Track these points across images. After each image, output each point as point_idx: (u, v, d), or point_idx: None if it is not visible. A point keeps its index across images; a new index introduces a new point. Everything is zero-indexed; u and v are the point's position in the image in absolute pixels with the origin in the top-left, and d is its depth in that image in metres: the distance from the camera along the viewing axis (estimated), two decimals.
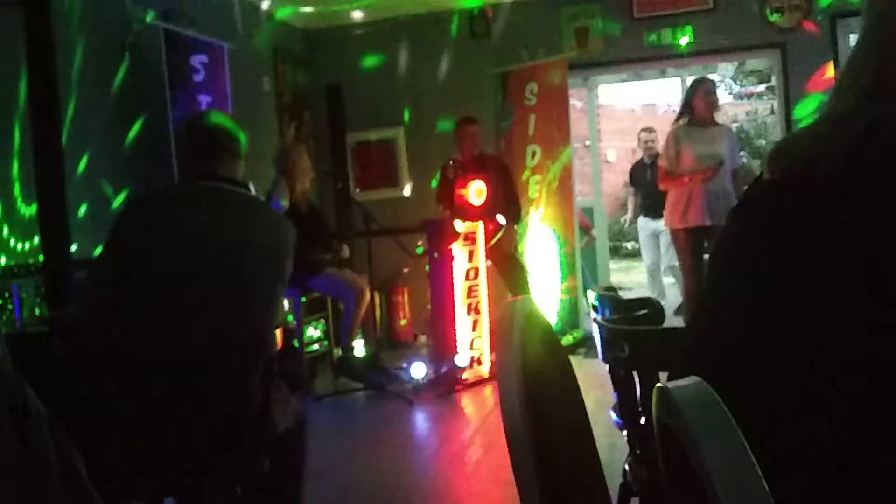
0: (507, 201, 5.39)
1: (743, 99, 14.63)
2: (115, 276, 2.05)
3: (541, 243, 6.07)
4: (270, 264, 2.14)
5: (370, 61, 6.58)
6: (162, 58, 4.47)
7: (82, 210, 3.98)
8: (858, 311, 0.84)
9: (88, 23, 4.13)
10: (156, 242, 2.06)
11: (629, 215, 7.68)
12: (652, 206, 6.82)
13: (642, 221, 7.20)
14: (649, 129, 7.42)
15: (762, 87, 13.85)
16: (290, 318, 4.82)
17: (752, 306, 0.93)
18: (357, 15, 6.40)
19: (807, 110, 5.94)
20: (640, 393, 2.06)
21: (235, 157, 2.23)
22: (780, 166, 0.94)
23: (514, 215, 5.47)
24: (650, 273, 7.23)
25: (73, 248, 3.50)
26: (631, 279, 10.36)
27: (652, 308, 2.50)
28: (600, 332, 2.06)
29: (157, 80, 4.45)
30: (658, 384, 0.86)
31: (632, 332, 1.97)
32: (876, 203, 0.85)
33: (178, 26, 4.69)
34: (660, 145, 6.80)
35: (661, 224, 6.57)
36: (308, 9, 6.15)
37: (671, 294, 7.10)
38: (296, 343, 4.84)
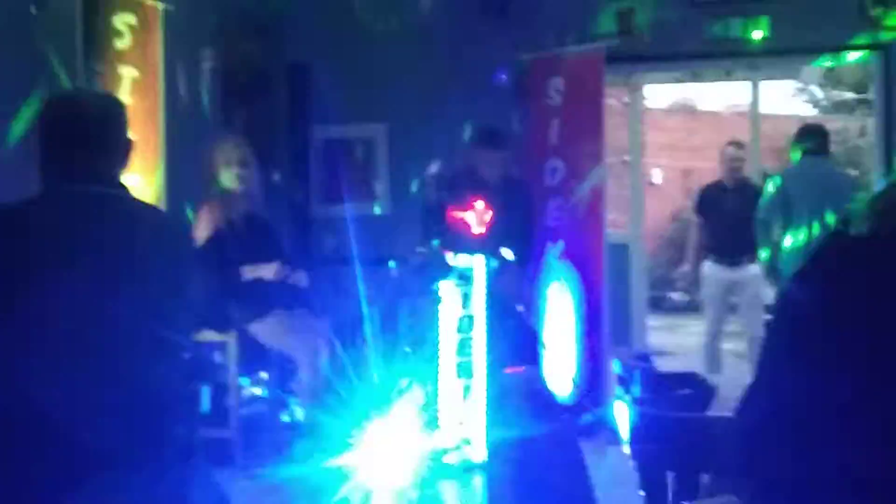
0: (520, 236, 5.43)
1: (830, 113, 14.79)
2: None
3: (557, 288, 6.09)
4: (172, 300, 2.14)
5: (350, 37, 6.64)
6: (75, 16, 4.51)
7: None
8: None
9: None
10: (7, 276, 2.02)
11: (690, 258, 7.42)
12: (727, 246, 6.81)
13: (710, 268, 7.03)
14: (739, 144, 7.16)
15: (853, 100, 13.99)
16: (223, 368, 4.82)
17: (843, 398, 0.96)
18: None
19: None
20: (674, 498, 2.07)
21: (109, 148, 2.22)
22: (888, 223, 0.98)
23: (524, 255, 5.50)
24: (709, 336, 7.22)
25: None
26: (676, 342, 10.40)
27: (698, 387, 2.51)
28: (627, 417, 2.08)
29: (67, 43, 4.48)
30: None
31: (668, 419, 1.98)
32: None
33: None
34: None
35: (737, 273, 6.63)
36: None
37: (730, 368, 7.09)
38: (228, 403, 4.83)
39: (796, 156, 6.14)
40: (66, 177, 2.15)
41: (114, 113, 2.28)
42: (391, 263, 5.29)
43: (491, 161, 5.45)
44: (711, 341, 7.13)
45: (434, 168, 5.84)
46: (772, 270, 6.14)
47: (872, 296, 0.94)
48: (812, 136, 6.09)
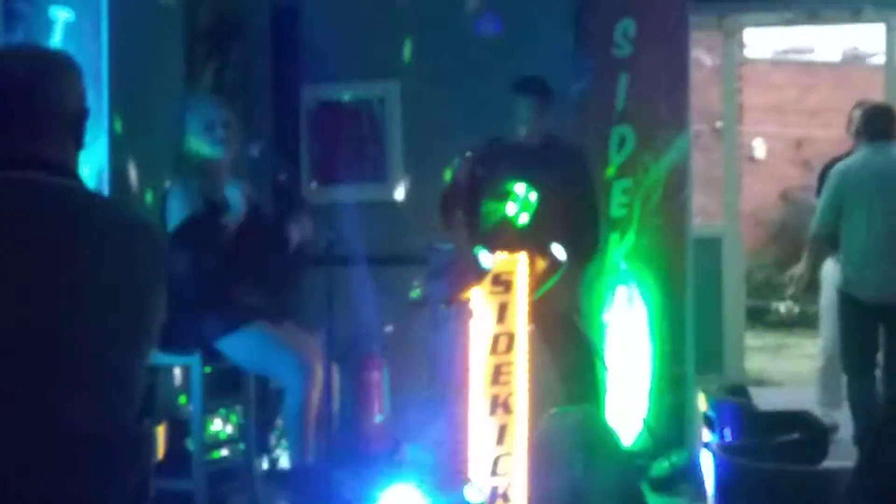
0: (578, 224, 5.43)
1: None
2: None
3: (626, 299, 6.08)
4: (126, 318, 2.13)
5: None
6: None
7: None
8: None
9: None
10: None
11: (806, 255, 7.34)
12: None
13: (833, 269, 6.94)
14: (863, 103, 7.17)
15: None
16: (183, 401, 4.84)
17: None
18: None
19: None
20: None
21: (51, 123, 2.21)
22: None
23: (585, 249, 5.49)
24: (827, 360, 7.15)
25: None
26: (783, 368, 10.28)
27: (809, 430, 2.47)
28: (714, 467, 2.07)
29: None
30: None
31: (769, 472, 1.96)
32: None
33: None
34: None
35: None
36: None
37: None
38: (190, 446, 4.85)
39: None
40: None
41: (52, 75, 2.25)
42: (414, 285, 5.28)
43: (530, 116, 5.48)
44: (830, 366, 7.07)
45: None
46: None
47: None
48: (872, 117, 6.27)
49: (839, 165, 6.37)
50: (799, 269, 6.74)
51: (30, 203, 2.13)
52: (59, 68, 2.29)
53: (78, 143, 2.27)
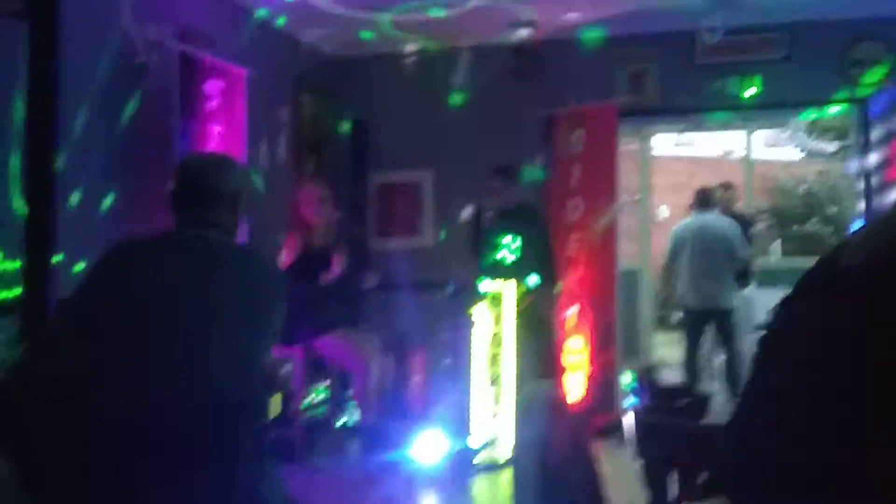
0: (543, 259, 5.39)
1: (814, 158, 14.58)
2: (75, 322, 2.08)
3: (576, 310, 6.01)
4: (251, 319, 2.11)
5: (401, 96, 6.65)
6: (175, 82, 4.56)
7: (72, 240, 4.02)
8: None
9: (97, 39, 4.20)
10: (124, 293, 2.08)
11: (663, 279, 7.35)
12: None
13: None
14: (727, 185, 7.14)
15: (835, 146, 13.79)
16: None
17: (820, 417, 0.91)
18: (399, 46, 6.48)
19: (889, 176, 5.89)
20: (679, 495, 2.01)
21: (215, 199, 2.23)
22: (855, 256, 0.94)
23: (552, 275, 5.46)
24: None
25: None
26: (677, 355, 10.14)
27: (695, 397, 2.46)
28: (634, 422, 2.02)
29: (167, 106, 4.54)
30: None
31: (669, 425, 1.92)
32: None
33: (195, 47, 4.79)
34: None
35: None
36: (336, 35, 6.25)
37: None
38: (293, 407, 4.82)
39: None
40: (179, 223, 2.24)
41: (217, 170, 2.30)
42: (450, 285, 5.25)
43: (502, 189, 5.37)
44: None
45: (468, 211, 5.79)
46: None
47: (847, 322, 0.89)
48: (698, 196, 6.68)
49: (676, 226, 6.80)
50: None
51: (199, 248, 2.18)
52: (222, 164, 2.35)
53: (233, 213, 2.28)
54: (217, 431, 1.98)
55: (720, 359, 6.57)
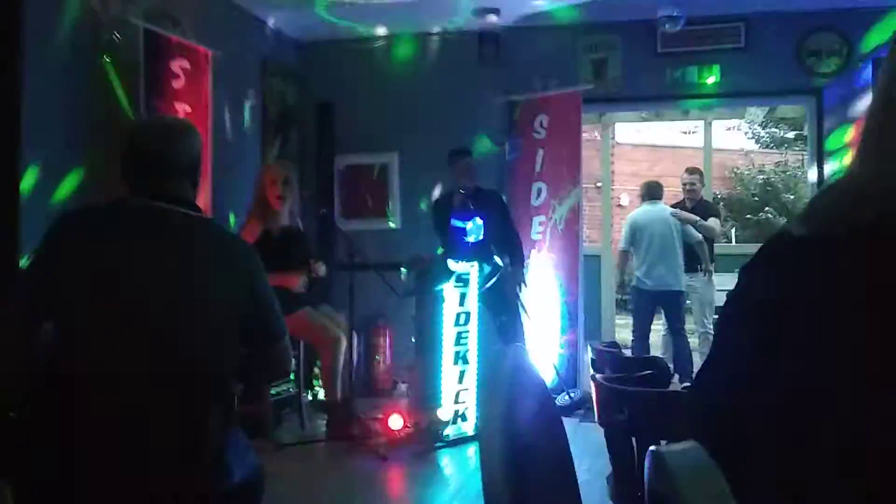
0: (508, 241, 5.43)
1: (771, 148, 14.80)
2: (36, 298, 2.00)
3: (541, 291, 6.07)
4: (224, 292, 2.07)
5: (367, 80, 6.63)
6: (139, 60, 4.52)
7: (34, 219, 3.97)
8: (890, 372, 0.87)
9: (61, 16, 4.16)
10: (89, 267, 2.00)
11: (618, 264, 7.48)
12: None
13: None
14: (692, 170, 7.13)
15: (792, 136, 14.02)
16: None
17: (774, 369, 0.96)
18: (357, 29, 6.47)
19: (842, 164, 6.00)
20: (638, 459, 2.05)
21: (178, 171, 2.12)
22: (808, 225, 0.99)
23: (518, 257, 5.52)
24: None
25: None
26: None
27: (658, 368, 2.51)
28: (598, 392, 2.06)
29: (132, 84, 4.49)
30: (651, 447, 0.87)
31: (630, 393, 1.96)
32: None
33: (161, 27, 4.74)
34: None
35: (692, 280, 6.66)
36: (304, 19, 6.22)
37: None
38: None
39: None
40: (139, 194, 2.09)
41: (175, 135, 2.16)
42: (402, 270, 5.26)
43: (462, 168, 5.43)
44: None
45: (436, 192, 5.82)
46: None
47: (805, 288, 0.95)
48: (647, 188, 6.99)
49: (633, 213, 7.09)
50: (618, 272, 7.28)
51: (161, 222, 2.07)
52: (182, 131, 2.20)
53: (194, 184, 2.18)
54: (187, 398, 1.99)
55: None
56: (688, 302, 6.84)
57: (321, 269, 5.12)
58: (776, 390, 0.96)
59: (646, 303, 6.62)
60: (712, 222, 6.67)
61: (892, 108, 0.99)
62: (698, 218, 6.61)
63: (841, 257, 0.93)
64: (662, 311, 6.71)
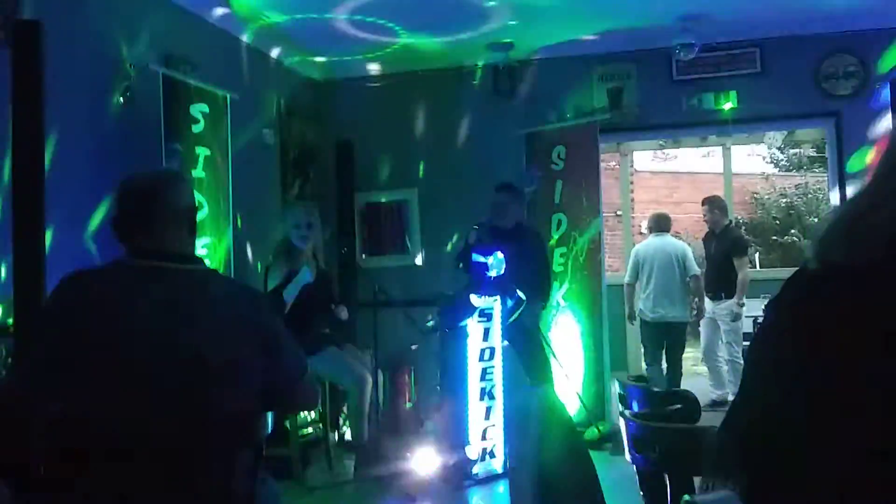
0: (538, 276, 5.41)
1: (792, 171, 14.71)
2: (44, 366, 1.95)
3: (565, 323, 6.02)
4: (243, 341, 2.02)
5: (385, 117, 6.67)
6: (159, 106, 4.56)
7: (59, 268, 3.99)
8: None
9: (81, 64, 4.20)
10: (92, 333, 1.94)
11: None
12: (709, 283, 6.87)
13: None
14: (704, 201, 7.21)
15: (813, 155, 13.93)
16: None
17: (807, 409, 0.94)
18: (373, 67, 6.54)
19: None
20: (672, 498, 2.01)
21: (171, 223, 2.05)
22: (816, 257, 0.99)
23: (543, 293, 5.48)
24: (705, 358, 7.20)
25: None
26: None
27: (687, 402, 2.46)
28: (627, 429, 2.02)
29: (152, 129, 4.54)
30: (686, 498, 0.84)
31: (662, 430, 1.92)
32: None
33: (179, 72, 4.80)
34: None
35: (717, 306, 6.65)
36: (320, 58, 6.29)
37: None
38: (287, 426, 4.78)
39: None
40: (140, 253, 2.03)
41: (167, 186, 2.10)
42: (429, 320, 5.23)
43: (506, 205, 5.39)
44: (707, 361, 7.10)
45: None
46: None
47: (818, 324, 0.96)
48: (655, 220, 7.09)
49: (637, 246, 7.15)
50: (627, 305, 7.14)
51: (162, 281, 2.01)
52: (168, 181, 2.15)
53: (191, 232, 2.12)
54: (214, 446, 1.97)
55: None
56: (723, 328, 6.78)
57: (343, 314, 5.11)
58: (805, 426, 0.96)
59: (651, 332, 6.70)
60: (741, 275, 6.70)
61: None
62: (740, 304, 6.67)
63: (859, 290, 0.93)
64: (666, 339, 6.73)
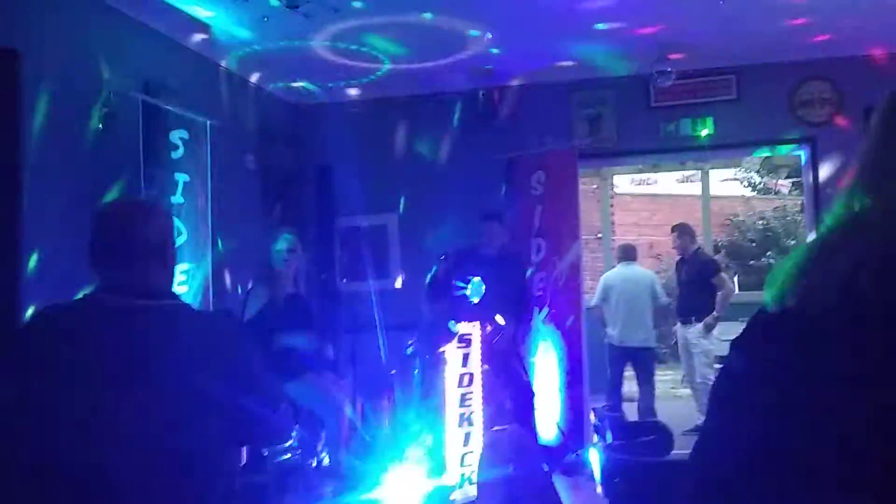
0: (515, 302, 5.43)
1: (769, 194, 14.85)
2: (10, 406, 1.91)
3: (544, 348, 6.03)
4: (214, 376, 1.98)
5: (365, 142, 6.68)
6: (138, 132, 4.56)
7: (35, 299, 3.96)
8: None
9: (60, 90, 4.18)
10: (67, 373, 1.90)
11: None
12: (681, 308, 7.06)
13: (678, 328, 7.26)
14: (672, 228, 7.36)
15: (788, 183, 14.09)
16: None
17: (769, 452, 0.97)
18: (353, 92, 6.57)
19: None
20: None
21: (143, 256, 2.01)
22: (773, 298, 1.02)
23: (518, 318, 5.51)
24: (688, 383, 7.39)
25: None
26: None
27: (659, 433, 2.48)
28: (600, 461, 2.03)
29: (131, 155, 4.53)
30: None
31: (631, 463, 1.93)
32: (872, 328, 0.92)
33: (158, 99, 4.80)
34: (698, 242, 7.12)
35: (688, 330, 6.73)
36: (300, 84, 6.32)
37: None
38: (264, 453, 4.75)
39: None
40: (111, 288, 1.99)
41: (140, 220, 2.05)
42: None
43: (493, 233, 5.45)
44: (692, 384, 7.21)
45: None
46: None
47: (779, 365, 0.99)
48: (622, 250, 7.45)
49: (606, 274, 7.51)
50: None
51: (131, 320, 1.96)
52: (144, 213, 2.11)
53: (165, 266, 2.07)
54: (184, 481, 1.96)
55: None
56: (694, 352, 6.83)
57: (329, 351, 5.13)
58: (770, 460, 0.99)
59: (617, 357, 6.97)
60: (724, 290, 6.83)
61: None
62: (716, 317, 6.76)
63: (813, 336, 0.95)
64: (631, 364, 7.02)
